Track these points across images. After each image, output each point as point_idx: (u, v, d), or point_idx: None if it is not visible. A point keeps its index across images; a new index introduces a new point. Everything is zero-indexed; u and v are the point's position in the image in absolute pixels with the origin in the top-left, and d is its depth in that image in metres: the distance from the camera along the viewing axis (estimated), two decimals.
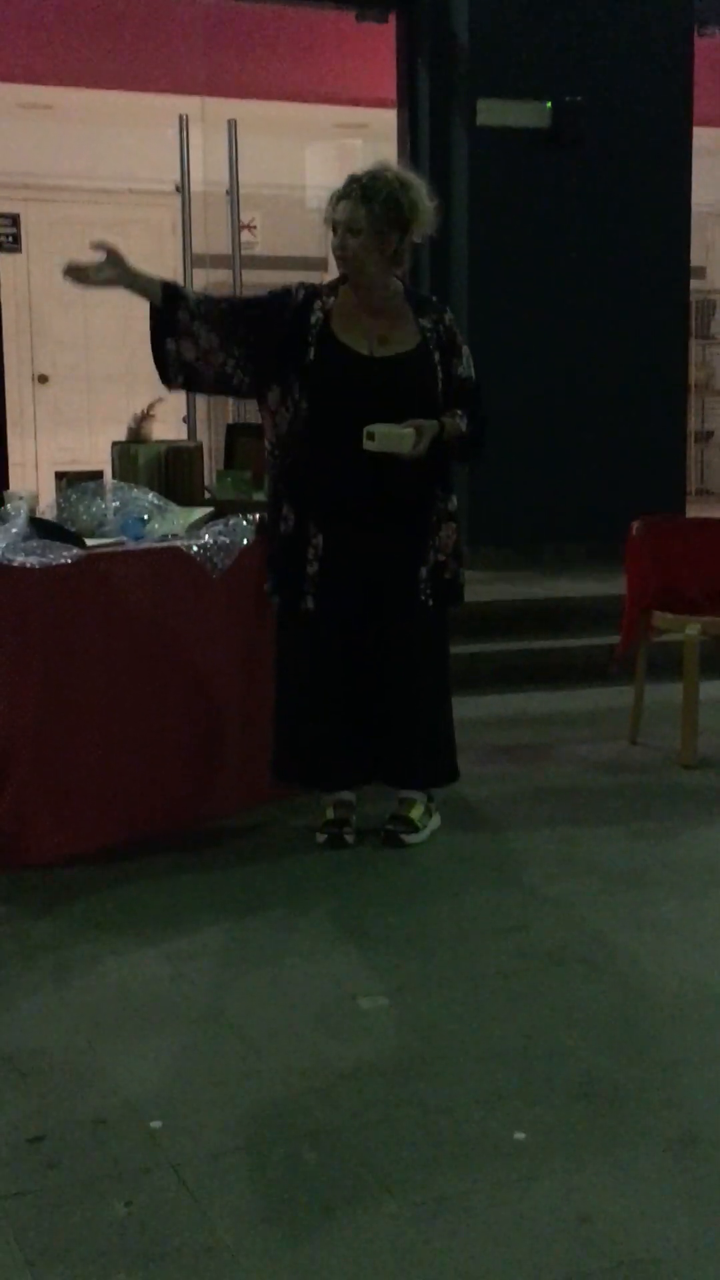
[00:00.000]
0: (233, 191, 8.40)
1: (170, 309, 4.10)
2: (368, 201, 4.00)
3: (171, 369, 4.15)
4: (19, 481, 7.19)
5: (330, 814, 4.33)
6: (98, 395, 10.63)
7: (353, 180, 4.05)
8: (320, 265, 11.03)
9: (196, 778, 4.43)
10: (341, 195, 4.05)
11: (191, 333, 4.10)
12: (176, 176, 8.86)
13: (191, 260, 8.58)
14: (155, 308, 4.10)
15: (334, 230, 4.08)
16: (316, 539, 4.12)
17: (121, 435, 5.59)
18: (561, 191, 7.62)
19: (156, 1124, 2.72)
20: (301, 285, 4.19)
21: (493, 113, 7.46)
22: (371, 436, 3.93)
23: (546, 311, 7.61)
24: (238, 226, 8.61)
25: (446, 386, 4.13)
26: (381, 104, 8.27)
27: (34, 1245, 2.35)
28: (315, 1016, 3.19)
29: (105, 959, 3.52)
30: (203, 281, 9.14)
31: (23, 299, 9.90)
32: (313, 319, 4.09)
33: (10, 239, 9.95)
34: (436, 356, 4.12)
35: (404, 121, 7.86)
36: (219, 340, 4.10)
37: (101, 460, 10.27)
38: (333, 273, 4.36)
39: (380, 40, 8.00)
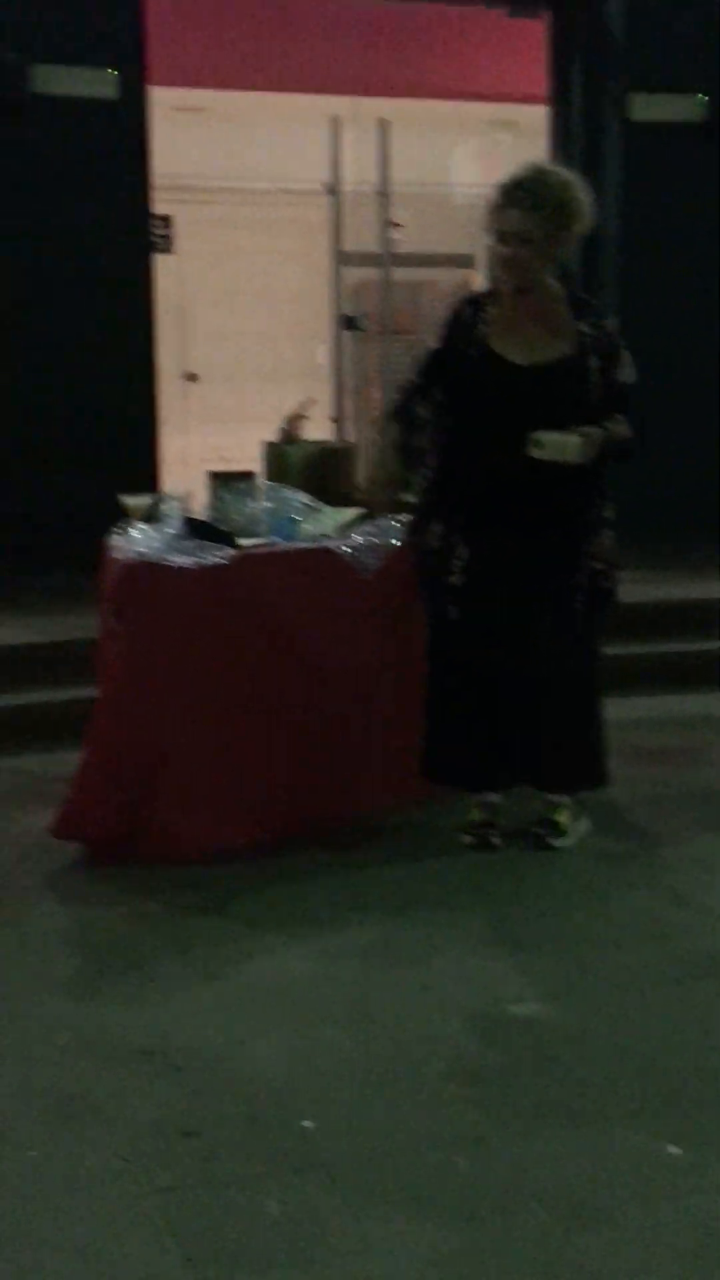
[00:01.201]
0: (383, 191, 8.42)
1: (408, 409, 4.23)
2: (538, 209, 3.96)
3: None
4: (170, 478, 7.30)
5: (476, 816, 4.33)
6: (246, 393, 10.76)
7: (517, 187, 3.99)
8: (467, 263, 11.01)
9: (345, 776, 4.45)
10: (507, 203, 3.99)
11: (422, 420, 4.20)
12: (326, 176, 8.92)
13: (340, 258, 8.62)
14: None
15: (501, 240, 4.03)
16: (462, 551, 4.12)
17: (269, 433, 5.64)
18: (717, 186, 7.49)
19: (308, 1123, 2.75)
20: (466, 300, 4.19)
21: (647, 107, 7.37)
22: (539, 444, 3.90)
23: (701, 307, 7.49)
24: (388, 225, 8.62)
25: (606, 392, 4.09)
26: (531, 100, 8.21)
27: (190, 1241, 2.40)
28: (465, 1020, 3.19)
29: (257, 955, 3.57)
30: (352, 279, 9.19)
31: (174, 299, 10.03)
32: (476, 332, 4.08)
33: (163, 240, 10.10)
34: (594, 362, 4.07)
35: (555, 117, 7.79)
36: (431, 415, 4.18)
37: (250, 457, 10.38)
38: (481, 269, 4.36)
39: (531, 36, 7.95)
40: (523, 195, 3.97)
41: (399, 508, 4.52)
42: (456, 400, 4.10)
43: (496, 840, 4.27)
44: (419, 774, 4.40)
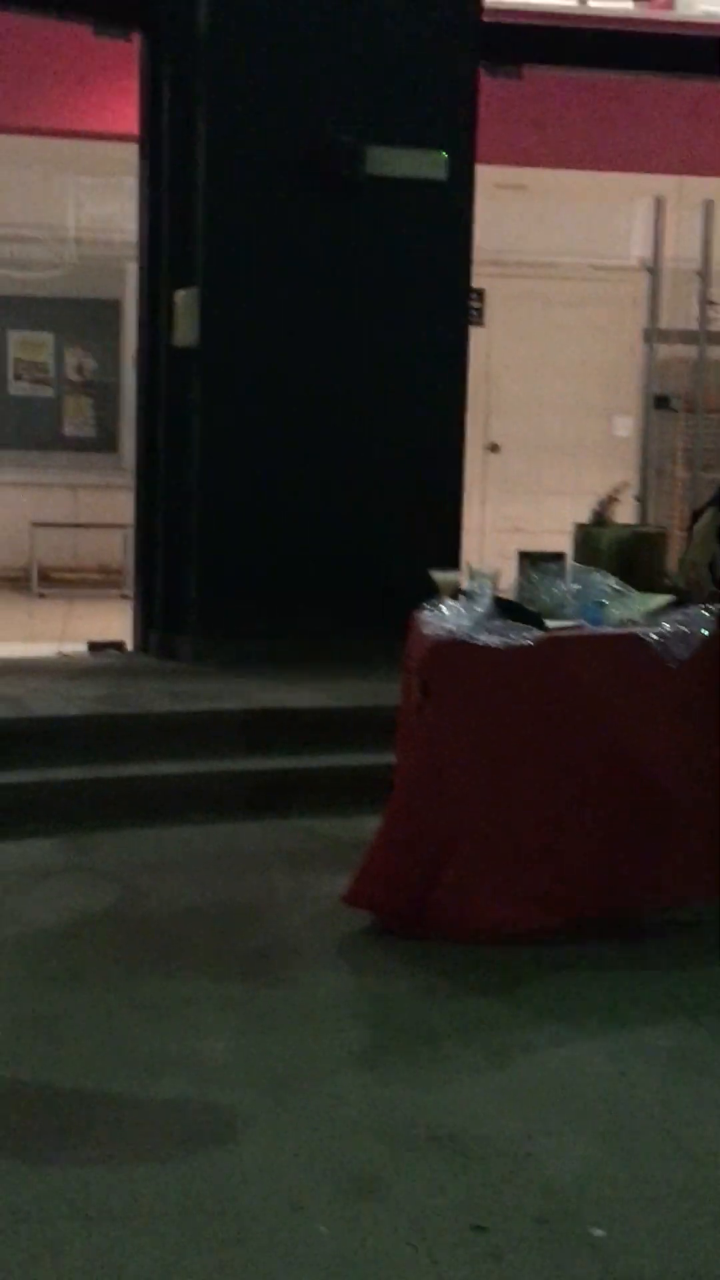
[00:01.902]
0: (705, 271, 8.34)
1: None
2: None
3: None
4: (469, 547, 7.36)
5: None
6: (544, 465, 10.77)
7: None
8: None
9: (641, 867, 4.36)
10: None
11: None
12: (642, 253, 8.89)
13: (656, 336, 8.57)
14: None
15: None
16: None
17: (567, 506, 5.62)
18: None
19: (599, 1232, 2.69)
20: None
21: None
22: None
23: None
24: (705, 304, 8.54)
25: None
26: None
27: None
28: None
29: (544, 1047, 3.52)
30: (665, 355, 9.12)
31: (481, 370, 10.14)
32: None
33: (476, 313, 10.24)
34: None
35: None
36: None
37: (545, 529, 10.39)
38: None
39: None
40: None
41: (713, 595, 4.43)
42: None
43: None
44: None
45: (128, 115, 7.35)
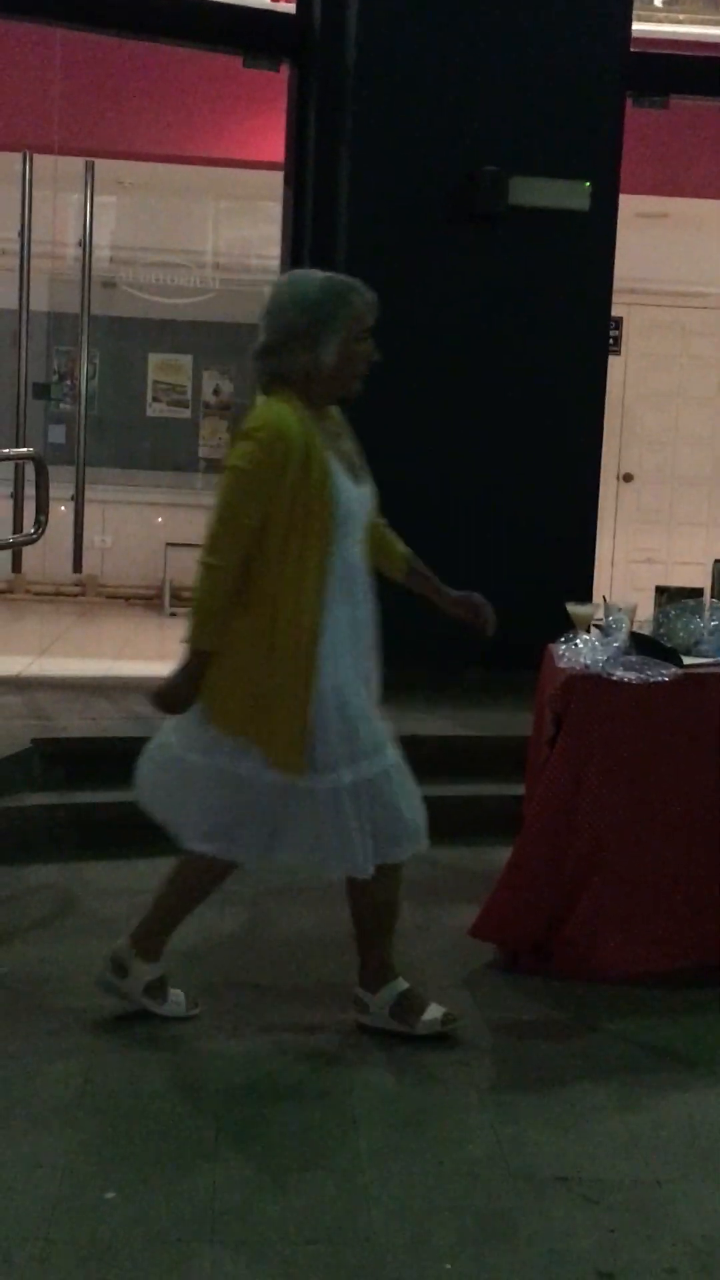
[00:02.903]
0: None
1: None
2: None
3: None
4: (600, 579, 7.32)
5: None
6: (680, 496, 10.66)
7: None
8: None
9: None
10: None
11: None
12: None
13: None
14: None
15: None
16: None
17: (701, 538, 5.55)
18: None
19: None
20: None
21: None
22: None
23: None
24: None
25: None
26: None
27: None
28: None
29: (671, 1091, 3.47)
30: None
31: (617, 399, 10.09)
32: None
33: (613, 341, 10.19)
34: None
35: None
36: None
37: (679, 560, 10.28)
38: None
39: None
40: None
41: None
42: None
43: None
44: None
45: (273, 144, 7.45)
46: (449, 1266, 2.66)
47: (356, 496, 3.53)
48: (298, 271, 3.59)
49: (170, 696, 3.50)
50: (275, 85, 7.23)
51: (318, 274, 3.57)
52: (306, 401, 3.47)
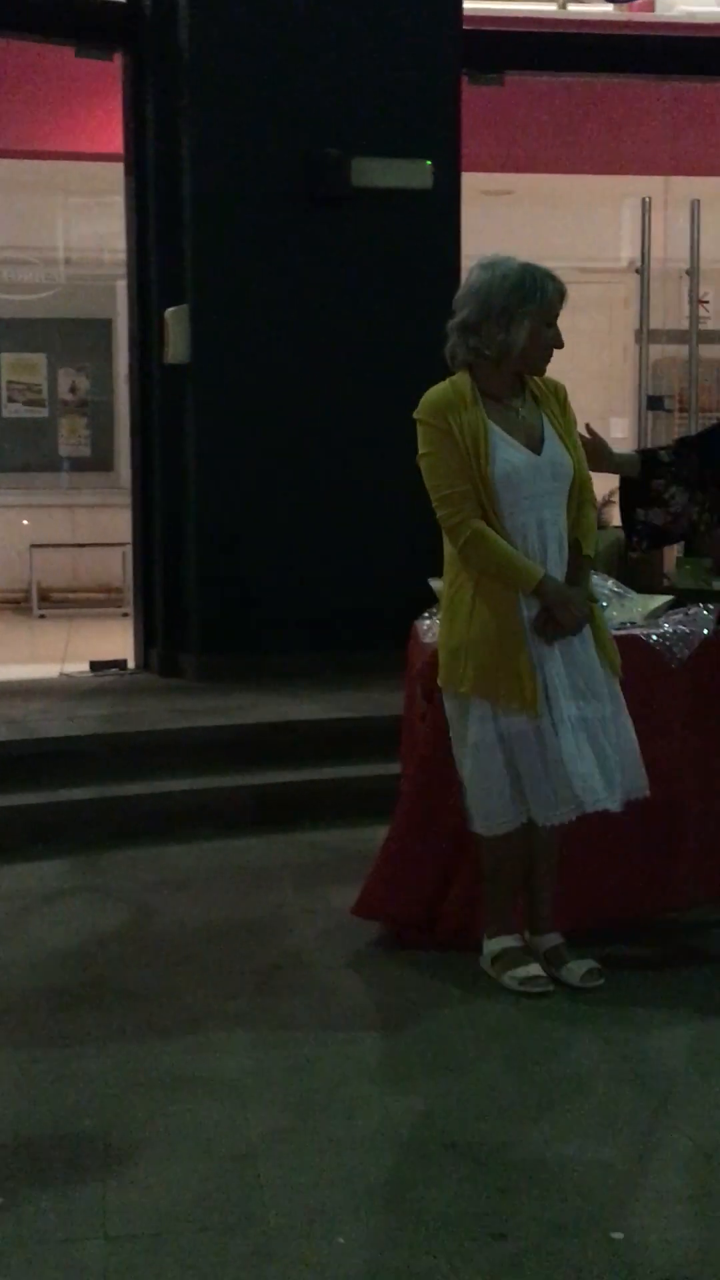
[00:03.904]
0: (694, 270, 8.35)
1: (646, 479, 4.15)
2: None
3: (638, 535, 4.23)
4: None
5: None
6: None
7: None
8: None
9: (652, 871, 4.36)
10: None
11: (663, 500, 4.15)
12: (626, 254, 8.90)
13: (647, 336, 8.58)
14: (630, 479, 4.14)
15: None
16: None
17: None
18: None
19: (618, 1235, 2.69)
20: None
21: None
22: None
23: None
24: (696, 303, 8.55)
25: None
26: None
27: None
28: None
29: (560, 1051, 3.52)
30: (657, 356, 9.13)
31: None
32: None
33: None
34: None
35: None
36: (688, 497, 4.14)
37: None
38: None
39: None
40: None
41: None
42: None
43: None
44: None
45: (115, 135, 7.38)
46: (341, 1241, 2.67)
47: (526, 463, 3.70)
48: (498, 255, 3.77)
49: (569, 612, 3.68)
50: (111, 75, 7.16)
51: (516, 260, 3.74)
52: (491, 377, 3.71)
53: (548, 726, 3.70)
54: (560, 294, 3.73)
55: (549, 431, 3.77)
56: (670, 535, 4.29)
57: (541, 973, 3.84)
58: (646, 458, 4.24)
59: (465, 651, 3.73)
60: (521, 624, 3.70)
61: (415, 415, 3.78)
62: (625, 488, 4.09)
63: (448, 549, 3.81)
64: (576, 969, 3.85)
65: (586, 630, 3.77)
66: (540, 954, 3.91)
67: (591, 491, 3.92)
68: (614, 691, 3.86)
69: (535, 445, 3.73)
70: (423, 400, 3.79)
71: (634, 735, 3.88)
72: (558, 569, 3.74)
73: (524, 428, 3.74)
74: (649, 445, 8.96)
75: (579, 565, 3.80)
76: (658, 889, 4.34)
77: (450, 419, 3.68)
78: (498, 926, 3.93)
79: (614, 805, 3.81)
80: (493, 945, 3.93)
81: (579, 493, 3.81)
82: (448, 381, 3.78)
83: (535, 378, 3.80)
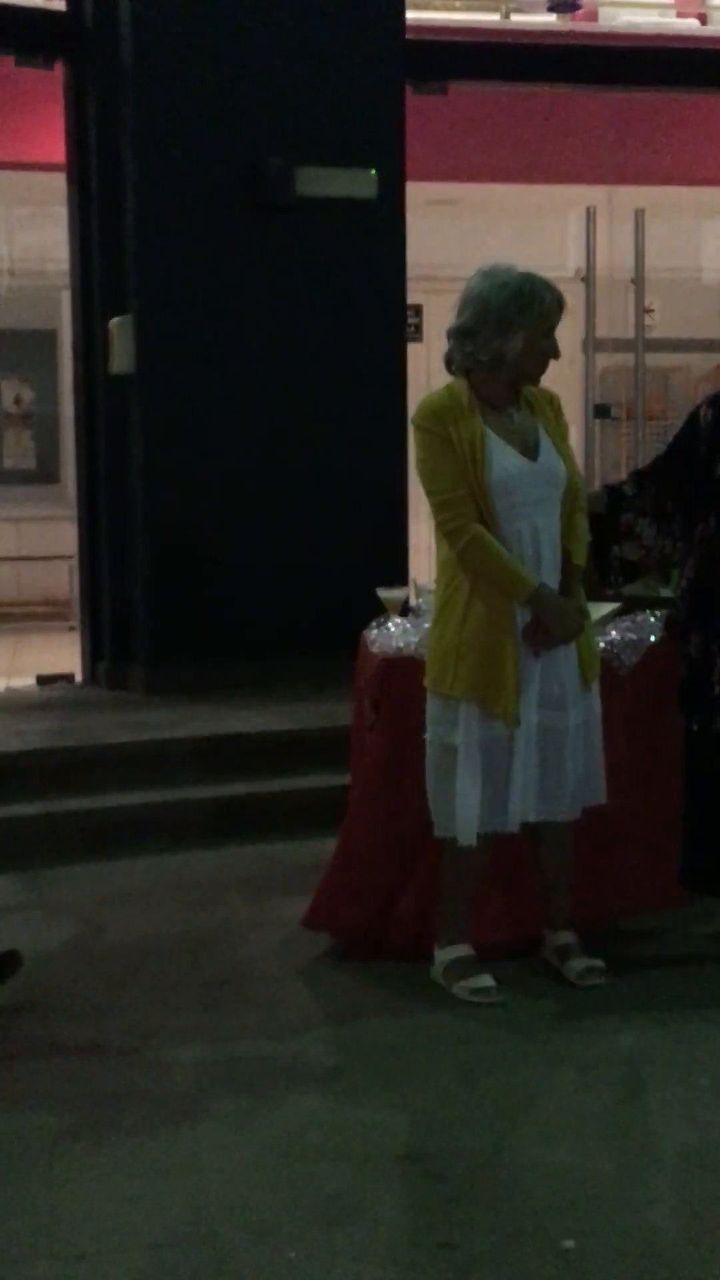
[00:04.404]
0: (638, 279, 8.40)
1: (613, 514, 4.20)
2: None
3: (613, 573, 4.29)
4: (417, 565, 7.38)
5: None
6: None
7: None
8: (719, 347, 10.87)
9: (595, 877, 4.36)
10: None
11: (634, 534, 4.21)
12: (576, 263, 8.94)
13: (593, 345, 8.63)
14: (599, 515, 4.17)
15: None
16: None
17: None
18: None
19: (569, 1244, 2.67)
20: (709, 402, 4.13)
21: None
22: None
23: None
24: (641, 312, 8.60)
25: None
26: None
27: None
28: None
29: (511, 1061, 3.51)
30: (603, 364, 9.18)
31: (422, 386, 10.17)
32: None
33: (414, 329, 10.27)
34: None
35: None
36: (655, 529, 4.19)
37: None
38: None
39: None
40: None
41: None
42: (712, 501, 4.04)
43: None
44: (677, 882, 4.28)
45: (56, 145, 7.34)
46: (293, 1255, 2.64)
47: (522, 470, 3.71)
48: (498, 262, 3.77)
49: (563, 623, 3.71)
50: (54, 84, 7.12)
51: (516, 268, 3.74)
52: (487, 384, 3.72)
53: (519, 735, 3.72)
54: (558, 304, 3.73)
55: (543, 439, 3.78)
56: (643, 566, 4.32)
57: (493, 983, 3.83)
58: (611, 493, 4.27)
59: (457, 653, 3.73)
60: (514, 631, 3.71)
61: (413, 421, 3.80)
62: (595, 524, 4.09)
63: (442, 552, 3.81)
64: (576, 965, 3.89)
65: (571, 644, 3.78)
66: (552, 950, 3.96)
67: (584, 500, 3.93)
68: (589, 703, 3.88)
69: (530, 452, 3.75)
70: (420, 406, 3.79)
71: (600, 745, 3.91)
72: (551, 575, 3.75)
73: (519, 435, 3.76)
74: (596, 454, 9.03)
75: (571, 575, 3.81)
76: (600, 897, 4.34)
77: (448, 425, 3.69)
78: (451, 936, 3.92)
79: (569, 816, 3.88)
80: (444, 955, 3.91)
81: (572, 500, 3.82)
82: (445, 388, 3.79)
83: (530, 386, 3.81)
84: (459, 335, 3.74)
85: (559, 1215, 2.77)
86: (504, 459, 3.70)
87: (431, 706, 3.85)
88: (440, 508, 3.75)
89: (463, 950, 3.91)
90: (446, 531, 3.74)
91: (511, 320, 3.66)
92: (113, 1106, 3.26)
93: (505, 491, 3.70)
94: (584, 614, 3.83)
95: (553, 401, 3.89)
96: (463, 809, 3.76)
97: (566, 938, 3.97)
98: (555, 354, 3.78)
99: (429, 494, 3.78)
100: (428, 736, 3.88)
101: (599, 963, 3.91)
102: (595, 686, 3.90)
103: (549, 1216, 2.77)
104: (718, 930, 4.23)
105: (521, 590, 3.68)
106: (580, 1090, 3.33)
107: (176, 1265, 2.62)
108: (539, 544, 3.74)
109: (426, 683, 3.85)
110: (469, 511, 3.69)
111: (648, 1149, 3.04)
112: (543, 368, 3.80)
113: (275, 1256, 2.64)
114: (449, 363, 3.80)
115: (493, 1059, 3.51)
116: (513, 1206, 2.81)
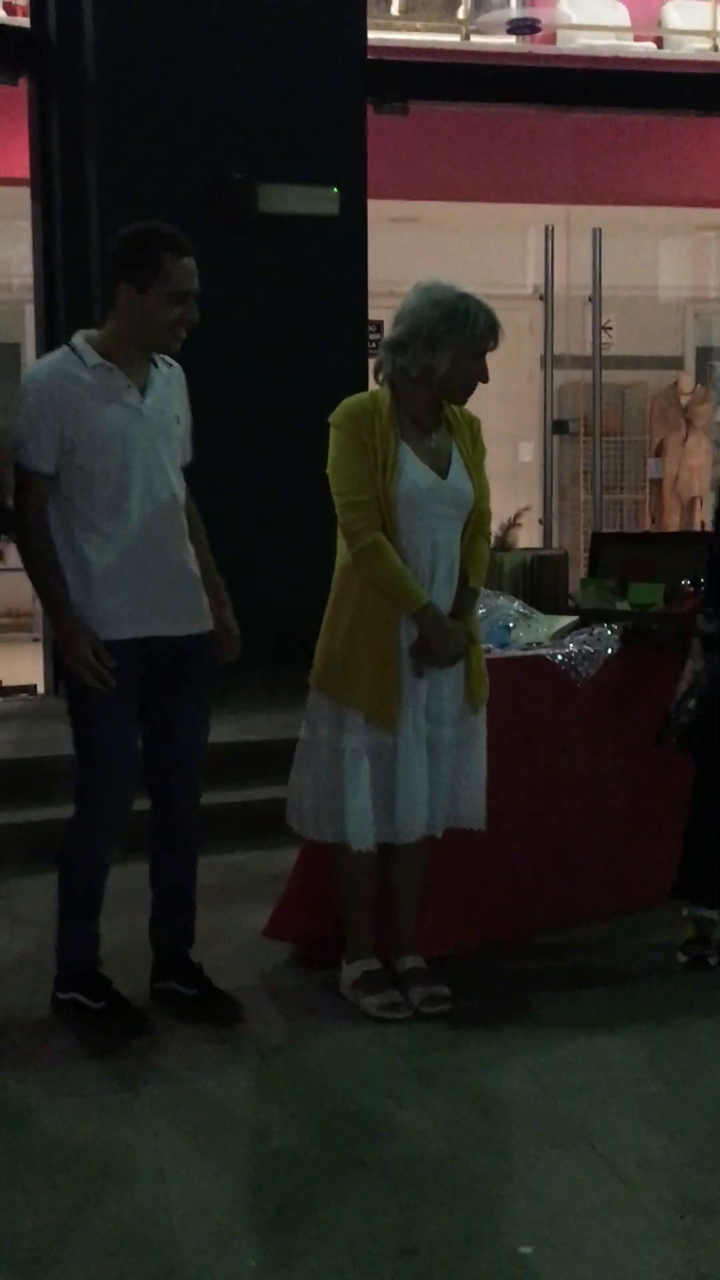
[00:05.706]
0: (596, 297, 8.49)
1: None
2: None
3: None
4: None
5: (691, 933, 4.24)
6: None
7: None
8: (676, 364, 10.99)
9: (558, 886, 4.41)
10: None
11: None
12: (531, 280, 9.02)
13: (552, 361, 8.71)
14: None
15: None
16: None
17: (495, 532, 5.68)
18: None
19: (526, 1249, 2.71)
20: None
21: None
22: None
23: None
24: (599, 330, 8.69)
25: None
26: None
27: None
28: (688, 1151, 3.11)
29: (469, 1068, 3.54)
30: (561, 381, 9.26)
31: None
32: None
33: (375, 345, 10.34)
34: None
35: None
36: None
37: None
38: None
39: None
40: None
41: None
42: None
43: (714, 960, 4.18)
44: (672, 895, 4.31)
45: (20, 159, 7.35)
46: (253, 1263, 2.67)
47: (430, 486, 3.72)
48: (438, 280, 3.75)
49: (446, 644, 3.70)
50: (17, 99, 7.14)
51: (455, 288, 3.72)
52: (411, 397, 3.73)
53: (401, 745, 3.73)
54: (492, 329, 3.71)
55: (456, 460, 3.79)
56: None
57: (401, 998, 3.82)
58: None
59: (342, 657, 3.76)
60: (398, 642, 3.72)
61: (330, 420, 3.80)
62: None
63: (340, 555, 3.83)
64: (419, 993, 3.84)
65: (460, 662, 3.79)
66: (398, 975, 3.90)
67: (488, 526, 3.93)
68: (473, 725, 3.86)
69: (441, 470, 3.76)
70: (340, 406, 3.80)
71: (483, 769, 3.88)
72: (445, 592, 3.76)
73: (433, 452, 3.77)
74: (554, 469, 9.10)
75: (465, 597, 3.82)
76: (563, 904, 4.39)
77: (364, 429, 3.71)
78: (355, 950, 3.91)
79: (434, 831, 3.86)
80: (352, 969, 3.91)
81: (475, 523, 3.83)
82: (369, 393, 3.82)
83: (454, 406, 3.82)
84: (390, 347, 3.74)
85: (516, 1222, 2.81)
86: (414, 472, 3.71)
87: (319, 706, 3.85)
88: (345, 509, 3.74)
89: (370, 964, 3.90)
90: (348, 533, 3.73)
91: (441, 338, 3.64)
92: (75, 1116, 3.27)
93: (410, 504, 3.70)
94: (470, 638, 3.81)
95: (473, 425, 3.88)
96: (354, 813, 3.75)
97: (413, 961, 3.94)
98: (483, 378, 3.76)
99: (336, 494, 3.76)
100: (306, 735, 3.88)
101: (443, 990, 3.86)
102: (483, 711, 3.87)
103: (506, 1223, 2.81)
104: (670, 939, 4.28)
105: (409, 605, 3.68)
106: (536, 1098, 3.37)
107: (137, 1272, 2.64)
108: (436, 560, 3.76)
109: (311, 680, 3.86)
110: (373, 517, 3.69)
111: (605, 1156, 3.07)
112: (469, 389, 3.77)
113: (235, 1264, 2.67)
114: (377, 372, 3.82)
115: (452, 1067, 3.54)
116: (470, 1213, 2.85)
